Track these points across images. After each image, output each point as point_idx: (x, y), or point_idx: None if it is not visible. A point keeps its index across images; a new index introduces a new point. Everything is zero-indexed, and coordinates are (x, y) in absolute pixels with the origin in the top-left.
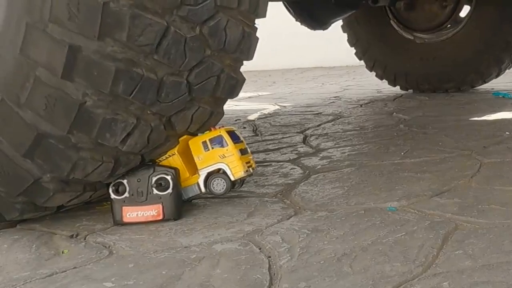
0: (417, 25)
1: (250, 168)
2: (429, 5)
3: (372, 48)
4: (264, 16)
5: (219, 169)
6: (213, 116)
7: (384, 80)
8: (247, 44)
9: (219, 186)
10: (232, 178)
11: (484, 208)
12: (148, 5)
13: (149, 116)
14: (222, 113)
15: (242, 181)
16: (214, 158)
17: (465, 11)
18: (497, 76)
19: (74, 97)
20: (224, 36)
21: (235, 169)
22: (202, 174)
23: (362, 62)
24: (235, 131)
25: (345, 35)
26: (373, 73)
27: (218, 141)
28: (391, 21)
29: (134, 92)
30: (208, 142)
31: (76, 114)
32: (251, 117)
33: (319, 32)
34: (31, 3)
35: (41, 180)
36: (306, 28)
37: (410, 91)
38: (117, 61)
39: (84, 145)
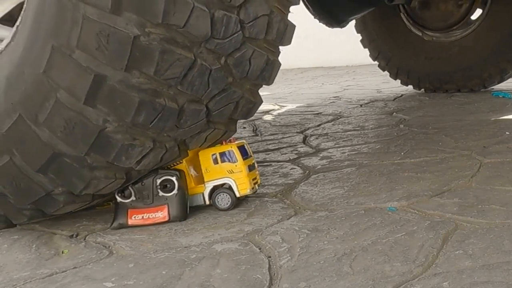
0: (429, 23)
1: (256, 185)
2: (444, 4)
3: (379, 40)
4: (289, 43)
5: (225, 183)
6: (226, 134)
7: (386, 72)
8: (269, 71)
9: (223, 201)
10: (238, 195)
11: (484, 208)
12: (178, 39)
13: (166, 139)
14: (235, 131)
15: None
16: (222, 173)
17: (477, 14)
18: (498, 83)
19: (95, 123)
20: (248, 66)
21: (242, 185)
22: (208, 186)
23: (361, 62)
24: (245, 145)
25: (345, 35)
26: (373, 73)
27: (228, 156)
28: (402, 15)
29: (154, 121)
30: (218, 156)
31: (95, 138)
32: None
33: (319, 32)
34: (59, 27)
35: (52, 193)
36: (305, 27)
37: (411, 89)
38: (141, 92)
39: (98, 164)
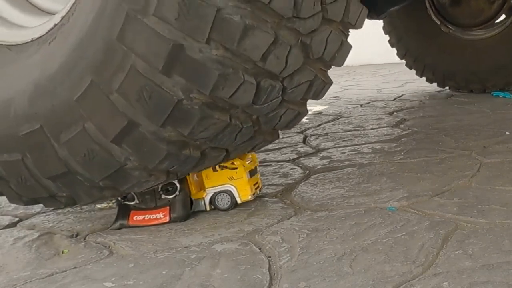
0: (458, 20)
1: (258, 190)
2: (476, 1)
3: (407, 38)
4: (361, 27)
5: (226, 190)
6: (299, 116)
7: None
8: (342, 53)
9: (223, 201)
10: (239, 201)
11: (484, 208)
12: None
13: (242, 116)
14: (306, 112)
15: None
16: (223, 179)
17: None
18: None
19: (172, 93)
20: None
21: (243, 192)
22: (209, 193)
23: (362, 62)
24: None
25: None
26: (373, 73)
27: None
28: (430, 12)
29: (233, 95)
30: None
31: (172, 110)
32: None
33: None
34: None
35: (127, 167)
36: None
37: (411, 89)
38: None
39: (174, 139)
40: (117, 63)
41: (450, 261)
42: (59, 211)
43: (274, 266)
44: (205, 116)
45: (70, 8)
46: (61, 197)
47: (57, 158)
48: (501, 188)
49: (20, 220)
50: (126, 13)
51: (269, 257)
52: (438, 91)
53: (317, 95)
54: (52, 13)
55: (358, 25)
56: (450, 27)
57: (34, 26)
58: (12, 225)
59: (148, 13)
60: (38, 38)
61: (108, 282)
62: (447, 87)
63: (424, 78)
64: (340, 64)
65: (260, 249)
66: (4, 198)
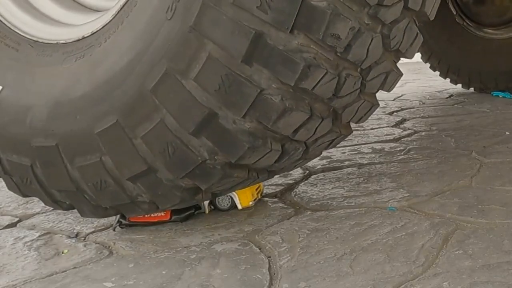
0: (482, 19)
1: (259, 194)
2: (501, 0)
3: (431, 40)
4: (433, 17)
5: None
6: (373, 109)
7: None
8: (416, 44)
9: (224, 202)
10: (239, 207)
11: (484, 208)
12: (301, 96)
13: (322, 108)
14: (378, 105)
15: None
16: None
17: None
18: None
19: (197, 153)
20: (355, 113)
21: (243, 199)
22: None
23: None
24: None
25: None
26: None
27: None
28: (454, 12)
29: (258, 161)
30: None
31: (194, 167)
32: None
33: None
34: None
35: (208, 162)
36: None
37: (411, 90)
38: (250, 136)
39: (255, 131)
40: (146, 112)
41: (450, 261)
42: (59, 211)
43: (274, 266)
44: (225, 176)
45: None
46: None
47: (68, 177)
48: (501, 188)
49: (20, 220)
50: (165, 69)
51: (269, 257)
52: (439, 91)
53: (390, 87)
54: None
55: (431, 15)
56: (474, 26)
57: None
58: (12, 225)
59: (188, 76)
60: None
61: (108, 282)
62: (471, 88)
63: (423, 79)
64: (411, 56)
65: (260, 249)
66: (4, 198)
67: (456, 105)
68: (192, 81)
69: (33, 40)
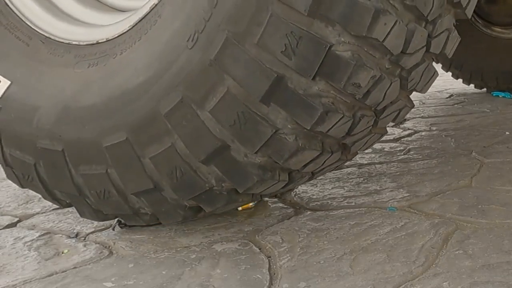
0: (495, 18)
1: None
2: None
3: None
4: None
5: None
6: (406, 109)
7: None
8: (432, 81)
9: None
10: (240, 208)
11: (484, 208)
12: (370, 53)
13: (333, 144)
14: (387, 132)
15: None
16: None
17: None
18: None
19: (205, 180)
20: (420, 79)
21: None
22: None
23: None
24: None
25: None
26: None
27: None
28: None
29: (331, 129)
30: None
31: (201, 193)
32: None
33: None
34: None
35: (215, 189)
36: None
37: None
38: (260, 169)
39: (265, 164)
40: (157, 135)
41: (450, 261)
42: (59, 211)
43: (274, 266)
44: (230, 201)
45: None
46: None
47: (71, 182)
48: (501, 188)
49: (20, 220)
50: (181, 97)
51: (269, 257)
52: (439, 91)
53: (401, 120)
54: None
55: (450, 54)
56: (486, 25)
57: None
58: (12, 225)
59: (204, 108)
60: None
61: (108, 282)
62: (472, 85)
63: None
64: (426, 91)
65: (260, 249)
66: (4, 198)
67: (456, 105)
68: (207, 113)
69: (44, 35)
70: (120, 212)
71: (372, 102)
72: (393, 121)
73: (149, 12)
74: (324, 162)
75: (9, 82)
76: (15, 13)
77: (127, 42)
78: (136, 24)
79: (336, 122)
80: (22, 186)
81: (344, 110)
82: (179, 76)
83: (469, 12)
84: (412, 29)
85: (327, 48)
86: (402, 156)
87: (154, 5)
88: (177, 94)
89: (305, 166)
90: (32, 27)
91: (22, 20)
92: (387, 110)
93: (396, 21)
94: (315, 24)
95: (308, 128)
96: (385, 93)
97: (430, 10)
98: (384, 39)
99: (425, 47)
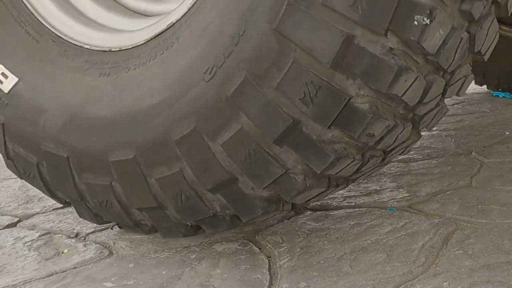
0: (505, 17)
1: None
2: None
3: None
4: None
5: None
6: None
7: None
8: (439, 119)
9: None
10: None
11: (484, 208)
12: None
13: (339, 181)
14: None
15: None
16: None
17: None
18: None
19: (209, 206)
20: (431, 121)
21: None
22: None
23: None
24: None
25: None
26: None
27: None
28: None
29: (341, 172)
30: None
31: (204, 218)
32: None
33: None
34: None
35: (219, 215)
36: None
37: None
38: (266, 202)
39: (271, 198)
40: (166, 158)
41: (450, 261)
42: (59, 211)
43: (274, 266)
44: (233, 225)
45: None
46: (62, 200)
47: (74, 186)
48: (501, 188)
49: (20, 220)
50: (194, 126)
51: (269, 257)
52: None
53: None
54: None
55: (461, 95)
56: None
57: None
58: (12, 225)
59: (215, 140)
60: None
61: (108, 282)
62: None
63: None
64: (431, 128)
65: (260, 249)
66: (4, 198)
67: (456, 105)
68: (218, 146)
69: (55, 34)
70: (121, 221)
71: (383, 146)
72: (400, 154)
73: (165, 30)
74: (328, 193)
75: (17, 79)
76: (26, 6)
77: (142, 58)
78: (152, 39)
79: (346, 166)
80: (21, 178)
81: (354, 154)
82: (194, 106)
83: (487, 56)
84: (431, 80)
85: (346, 100)
86: (402, 156)
87: (171, 24)
88: (190, 123)
89: (309, 200)
90: (44, 23)
91: (33, 14)
92: (396, 149)
93: (417, 77)
94: (336, 76)
95: (319, 172)
96: (396, 137)
97: (451, 64)
98: (403, 94)
99: (441, 95)
